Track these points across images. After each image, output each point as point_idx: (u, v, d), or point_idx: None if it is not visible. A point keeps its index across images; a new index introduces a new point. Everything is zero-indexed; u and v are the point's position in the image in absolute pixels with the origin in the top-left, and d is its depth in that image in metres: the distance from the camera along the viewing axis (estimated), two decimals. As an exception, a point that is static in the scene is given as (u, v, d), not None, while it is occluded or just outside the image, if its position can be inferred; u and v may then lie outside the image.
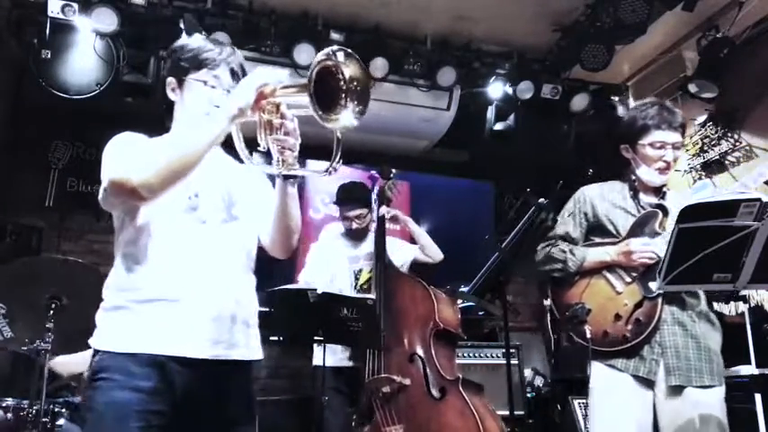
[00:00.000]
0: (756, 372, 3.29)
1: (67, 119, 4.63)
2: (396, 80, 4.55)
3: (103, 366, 1.52)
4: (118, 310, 1.56)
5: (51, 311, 2.68)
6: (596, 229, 2.39)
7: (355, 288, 3.41)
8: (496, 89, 4.72)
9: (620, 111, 4.96)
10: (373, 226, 3.43)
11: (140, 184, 1.46)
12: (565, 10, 4.20)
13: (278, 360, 4.99)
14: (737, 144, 4.16)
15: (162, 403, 1.50)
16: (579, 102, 4.75)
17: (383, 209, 3.34)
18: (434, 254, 3.44)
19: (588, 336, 2.14)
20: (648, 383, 2.15)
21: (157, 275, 1.56)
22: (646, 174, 2.34)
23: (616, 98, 5.01)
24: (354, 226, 3.46)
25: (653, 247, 2.20)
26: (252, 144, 1.63)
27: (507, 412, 2.86)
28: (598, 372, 2.21)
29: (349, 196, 3.52)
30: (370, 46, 4.31)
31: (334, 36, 4.16)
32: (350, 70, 1.47)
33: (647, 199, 2.37)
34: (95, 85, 3.94)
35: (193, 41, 1.76)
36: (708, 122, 4.30)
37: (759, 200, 1.73)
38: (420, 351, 2.94)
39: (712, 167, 4.33)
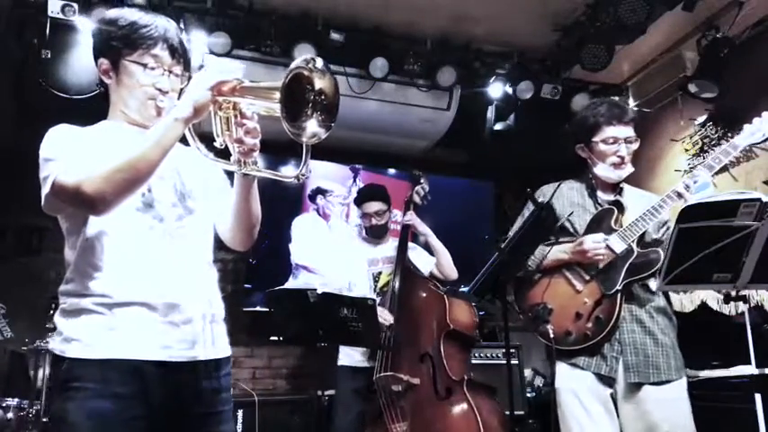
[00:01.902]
0: (756, 372, 3.28)
1: (67, 119, 4.62)
2: (396, 80, 4.56)
3: (75, 375, 1.42)
4: (83, 314, 1.47)
5: (51, 311, 2.68)
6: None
7: (375, 291, 3.41)
8: (496, 89, 4.72)
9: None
10: (392, 226, 3.44)
11: (95, 195, 1.37)
12: (565, 10, 4.20)
13: (279, 360, 4.99)
14: (737, 144, 4.15)
15: (141, 408, 1.44)
16: (579, 102, 4.75)
17: (408, 215, 3.35)
18: (449, 273, 3.43)
19: (551, 336, 2.15)
20: (610, 381, 2.19)
21: (122, 280, 1.47)
22: (602, 171, 2.35)
23: (616, 98, 5.00)
24: (374, 222, 3.47)
25: (607, 243, 2.21)
26: (206, 137, 1.55)
27: (507, 412, 2.86)
28: (562, 372, 2.24)
29: (368, 193, 3.57)
30: (370, 46, 4.31)
31: (335, 36, 4.16)
32: (321, 83, 1.39)
33: (605, 196, 2.38)
34: (95, 85, 3.90)
35: (124, 14, 1.59)
36: (708, 122, 4.30)
37: (759, 200, 1.74)
38: (431, 351, 2.94)
39: (712, 167, 4.33)
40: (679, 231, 1.80)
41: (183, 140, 1.54)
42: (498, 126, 4.91)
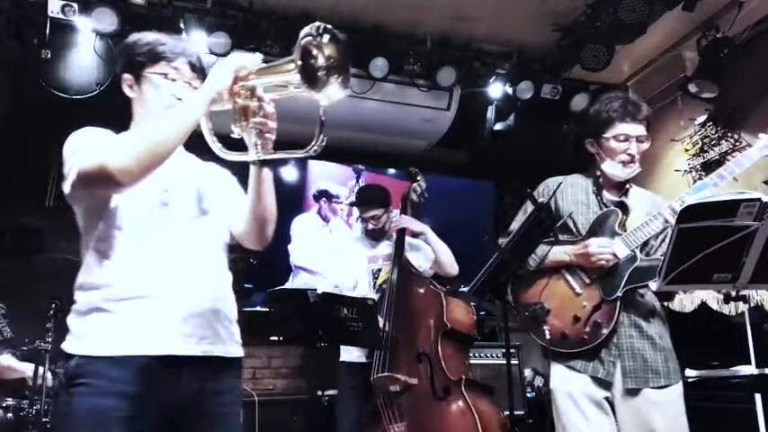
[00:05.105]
0: (756, 372, 3.29)
1: (67, 119, 4.61)
2: (396, 80, 4.56)
3: (82, 371, 1.45)
4: (92, 312, 1.50)
5: (51, 311, 2.69)
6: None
7: (374, 287, 3.42)
8: (496, 89, 4.72)
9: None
10: (392, 227, 3.44)
11: (119, 170, 1.41)
12: (565, 10, 4.20)
13: (279, 360, 4.99)
14: (737, 144, 4.15)
15: (146, 407, 1.45)
16: (579, 102, 4.75)
17: (396, 218, 3.34)
18: (448, 270, 3.39)
19: (547, 337, 2.11)
20: (606, 385, 2.16)
21: (130, 271, 1.51)
22: (610, 168, 2.29)
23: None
24: (370, 227, 3.47)
25: (612, 249, 2.17)
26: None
27: (507, 412, 2.86)
28: (557, 373, 2.21)
29: (365, 198, 3.56)
30: (370, 46, 4.31)
31: (335, 36, 4.16)
32: (329, 49, 1.47)
33: (610, 196, 2.33)
34: (95, 86, 3.93)
35: (145, 35, 1.71)
36: (708, 122, 4.30)
37: (759, 200, 1.73)
38: (428, 351, 2.93)
39: (712, 167, 4.33)
40: (679, 231, 1.80)
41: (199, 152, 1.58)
42: (498, 126, 4.91)
